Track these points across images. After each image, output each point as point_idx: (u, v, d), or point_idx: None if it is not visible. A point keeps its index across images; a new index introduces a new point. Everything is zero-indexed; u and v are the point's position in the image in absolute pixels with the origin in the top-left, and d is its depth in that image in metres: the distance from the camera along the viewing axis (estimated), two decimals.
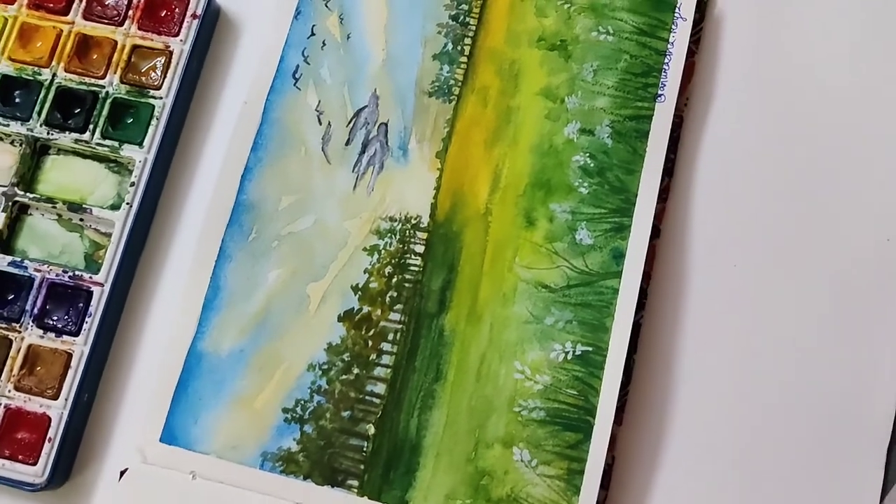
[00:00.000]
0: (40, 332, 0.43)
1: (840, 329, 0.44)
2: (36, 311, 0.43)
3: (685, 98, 0.46)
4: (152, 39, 0.46)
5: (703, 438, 0.43)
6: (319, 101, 0.46)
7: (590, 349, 0.42)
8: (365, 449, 0.41)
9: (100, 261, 0.44)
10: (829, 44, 0.47)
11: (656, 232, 0.44)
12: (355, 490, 0.41)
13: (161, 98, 0.46)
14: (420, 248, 0.44)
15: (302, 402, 0.42)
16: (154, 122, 0.45)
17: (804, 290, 0.44)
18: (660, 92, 0.44)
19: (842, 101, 0.46)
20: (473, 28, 0.46)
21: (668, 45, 0.45)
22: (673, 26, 0.45)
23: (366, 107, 0.46)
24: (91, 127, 0.45)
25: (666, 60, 0.45)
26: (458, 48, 0.46)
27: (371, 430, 0.41)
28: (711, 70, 0.47)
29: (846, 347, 0.43)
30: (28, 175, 0.46)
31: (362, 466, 0.41)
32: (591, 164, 0.44)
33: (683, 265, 0.44)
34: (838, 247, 0.44)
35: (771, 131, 0.46)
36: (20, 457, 0.41)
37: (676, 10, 0.46)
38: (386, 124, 0.45)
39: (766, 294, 0.44)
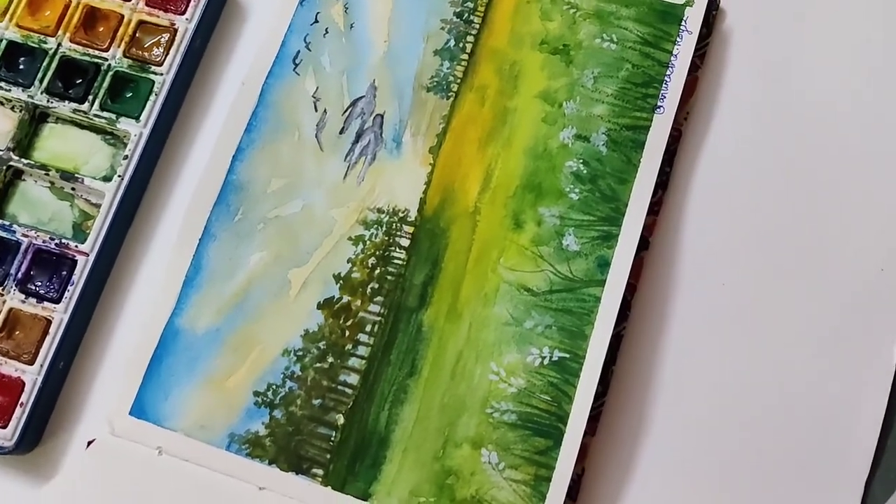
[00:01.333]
0: (22, 296, 0.43)
1: (826, 357, 0.43)
2: (20, 275, 0.43)
3: (685, 112, 0.46)
4: (158, 16, 0.47)
5: (677, 456, 0.42)
6: (317, 88, 0.46)
7: (567, 356, 0.41)
8: (333, 438, 0.41)
9: (87, 231, 0.44)
10: (836, 72, 0.46)
11: (645, 244, 0.44)
12: (319, 479, 0.40)
13: (162, 74, 0.46)
14: (405, 242, 0.43)
15: (274, 386, 0.42)
16: (153, 97, 0.45)
17: (792, 315, 0.43)
18: (659, 103, 0.44)
19: (843, 130, 0.45)
20: (477, 26, 0.46)
21: (672, 58, 0.45)
22: (678, 39, 0.45)
23: (363, 97, 0.46)
24: (91, 98, 0.46)
25: (668, 72, 0.44)
26: (460, 45, 0.46)
27: (340, 420, 0.41)
28: (715, 86, 0.46)
29: (831, 376, 0.42)
30: (25, 141, 0.46)
31: (328, 456, 0.41)
32: (584, 171, 0.44)
33: (670, 279, 0.44)
34: (830, 274, 0.44)
35: (770, 153, 0.45)
36: None
37: (683, 23, 0.45)
38: (382, 116, 0.45)
39: (753, 316, 0.43)
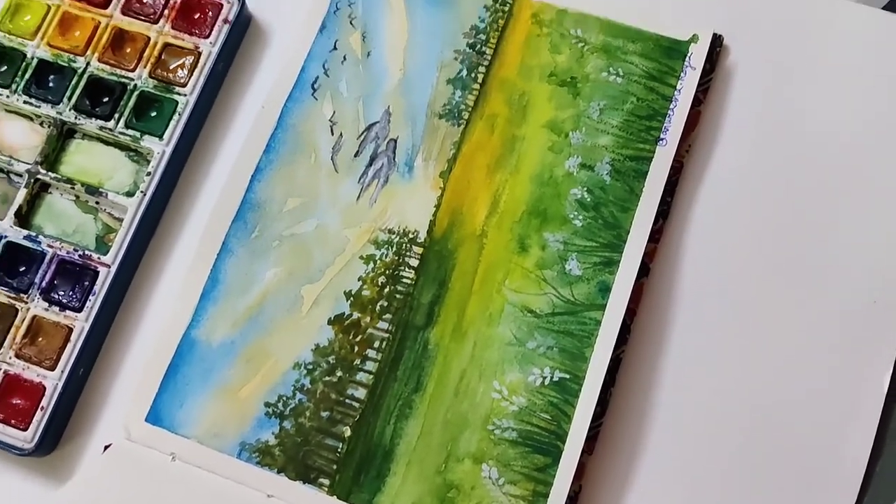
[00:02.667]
0: (45, 304, 0.45)
1: (819, 385, 0.44)
2: (44, 284, 0.45)
3: (687, 145, 0.47)
4: (183, 39, 0.49)
5: (672, 477, 0.43)
6: (334, 112, 0.48)
7: (567, 377, 0.43)
8: (339, 450, 0.43)
9: (110, 243, 0.46)
10: (835, 110, 0.48)
11: (645, 270, 0.45)
12: (326, 489, 0.42)
13: (185, 95, 0.48)
14: (414, 262, 0.45)
15: (284, 398, 0.43)
16: (176, 117, 0.47)
17: (786, 344, 0.45)
18: (662, 136, 0.46)
19: (839, 166, 0.47)
20: (489, 58, 0.48)
21: (675, 92, 0.46)
22: (682, 74, 0.47)
23: (378, 122, 0.47)
24: (116, 116, 0.48)
25: (671, 106, 0.46)
26: (472, 75, 0.48)
27: (347, 432, 0.43)
28: (717, 121, 0.48)
29: (824, 403, 0.44)
30: (52, 156, 0.48)
31: (335, 466, 0.42)
32: (588, 199, 0.45)
33: (669, 306, 0.45)
34: (825, 304, 0.45)
35: (768, 187, 0.47)
36: (12, 421, 0.43)
37: (687, 59, 0.47)
38: (395, 140, 0.47)
39: (750, 344, 0.45)
